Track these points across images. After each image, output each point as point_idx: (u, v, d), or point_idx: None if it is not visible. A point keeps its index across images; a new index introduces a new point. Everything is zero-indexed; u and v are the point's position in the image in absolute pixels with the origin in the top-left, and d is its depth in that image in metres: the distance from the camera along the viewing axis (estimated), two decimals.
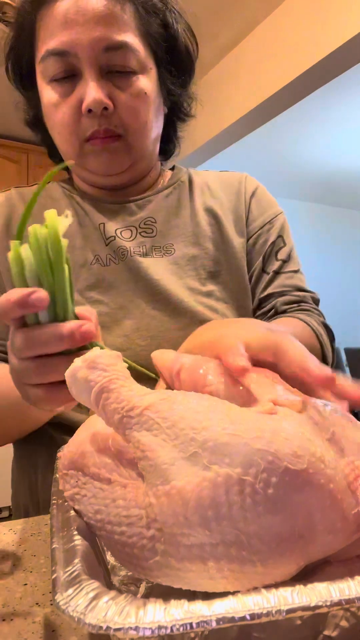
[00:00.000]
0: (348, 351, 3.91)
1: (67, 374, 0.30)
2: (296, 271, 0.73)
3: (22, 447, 0.70)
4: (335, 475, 0.25)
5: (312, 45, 2.15)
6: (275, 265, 0.72)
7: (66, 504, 0.31)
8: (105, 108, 0.60)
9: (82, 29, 0.58)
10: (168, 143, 0.78)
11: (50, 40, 0.59)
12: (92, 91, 0.59)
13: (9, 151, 3.50)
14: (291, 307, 0.70)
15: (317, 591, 0.21)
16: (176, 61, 0.68)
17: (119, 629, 0.19)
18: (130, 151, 0.65)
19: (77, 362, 0.30)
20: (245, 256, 0.72)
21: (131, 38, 0.60)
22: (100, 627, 0.20)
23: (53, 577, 0.23)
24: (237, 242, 0.72)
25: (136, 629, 0.19)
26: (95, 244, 0.68)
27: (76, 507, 0.30)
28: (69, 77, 0.61)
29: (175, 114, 0.74)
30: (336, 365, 4.16)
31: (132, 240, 0.68)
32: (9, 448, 0.72)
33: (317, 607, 0.20)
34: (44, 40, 0.60)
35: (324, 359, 0.67)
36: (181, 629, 0.19)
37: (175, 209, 0.72)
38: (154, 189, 0.75)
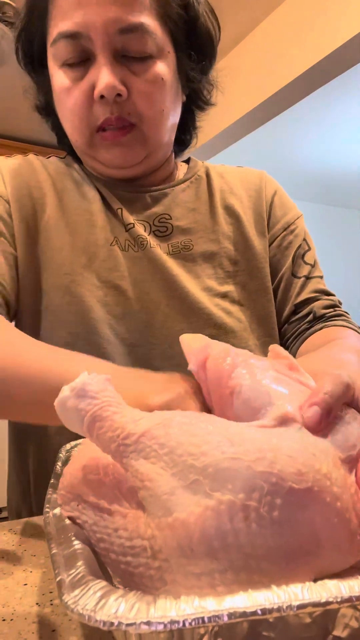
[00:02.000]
0: None
1: (56, 404, 0.29)
2: (322, 277, 0.73)
3: (16, 450, 0.69)
4: (343, 493, 0.24)
5: (312, 45, 2.15)
6: (305, 269, 0.71)
7: (59, 514, 0.30)
8: (119, 94, 0.56)
9: (95, 9, 0.54)
10: (185, 133, 0.74)
11: (62, 21, 0.56)
12: (104, 76, 0.55)
13: (9, 151, 3.50)
14: (328, 312, 0.69)
15: (327, 588, 0.21)
16: (196, 45, 0.63)
17: (131, 624, 0.19)
18: (146, 142, 0.61)
19: (65, 390, 0.29)
20: (268, 257, 0.71)
21: (148, 20, 0.56)
22: (112, 624, 0.20)
23: (57, 579, 0.23)
24: (258, 242, 0.70)
25: (148, 623, 0.19)
26: (115, 227, 0.65)
27: (77, 526, 0.29)
28: (82, 61, 0.57)
29: (194, 101, 0.70)
30: None
31: (147, 235, 0.66)
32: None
33: (327, 603, 0.20)
34: (56, 21, 0.57)
35: None
36: (193, 623, 0.19)
37: (192, 204, 0.69)
38: (169, 182, 0.72)
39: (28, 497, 0.66)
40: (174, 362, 0.60)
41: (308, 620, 0.21)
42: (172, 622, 0.19)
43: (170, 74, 0.60)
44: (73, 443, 0.44)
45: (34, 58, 0.64)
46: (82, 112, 0.59)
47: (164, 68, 0.59)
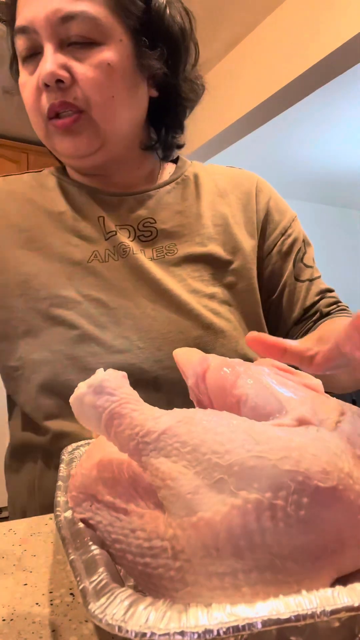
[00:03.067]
0: None
1: (73, 401, 0.28)
2: (320, 276, 0.74)
3: (19, 448, 0.67)
4: None
5: (312, 45, 2.15)
6: (307, 273, 0.72)
7: (71, 517, 0.30)
8: (61, 81, 0.57)
9: (40, 2, 0.57)
10: (162, 131, 0.71)
11: (17, 18, 0.59)
12: (45, 64, 0.56)
13: (8, 151, 3.50)
14: (333, 308, 0.70)
15: (357, 591, 0.20)
16: (160, 36, 0.62)
17: (164, 635, 0.19)
18: (97, 129, 0.60)
19: (82, 387, 0.28)
20: (264, 260, 0.71)
21: (92, 7, 0.57)
22: (144, 634, 0.19)
23: (80, 587, 0.23)
24: (247, 244, 0.69)
25: (182, 633, 0.19)
26: (94, 239, 0.64)
27: (91, 529, 0.29)
28: (35, 55, 0.59)
29: (173, 98, 0.68)
30: None
31: (131, 241, 0.65)
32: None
33: None
34: (17, 19, 0.59)
35: None
36: (228, 632, 0.19)
37: (179, 206, 0.68)
38: (151, 182, 0.71)
39: (33, 495, 0.65)
40: (163, 364, 0.60)
41: (337, 624, 0.21)
42: (207, 631, 0.19)
43: (121, 61, 0.59)
44: (75, 445, 0.44)
45: (14, 65, 0.66)
46: (33, 104, 0.60)
47: (111, 55, 0.59)
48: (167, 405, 0.30)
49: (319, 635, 0.21)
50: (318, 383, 0.34)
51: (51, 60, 0.56)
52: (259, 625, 0.19)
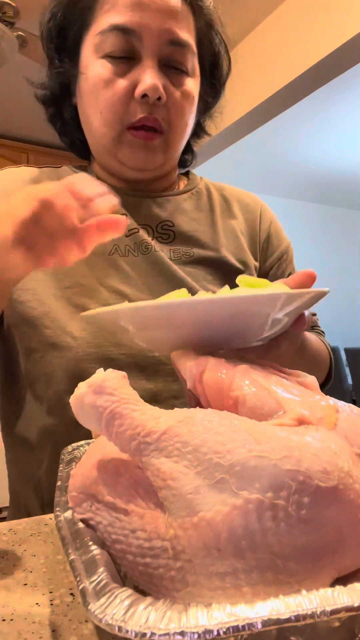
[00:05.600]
0: (348, 351, 3.91)
1: (73, 401, 0.28)
2: None
3: (23, 444, 0.66)
4: None
5: (312, 45, 2.15)
6: None
7: (71, 517, 0.30)
8: (159, 98, 0.60)
9: (153, 15, 0.59)
10: (187, 153, 0.79)
11: (117, 15, 0.59)
12: (151, 77, 0.59)
13: (9, 151, 3.50)
14: (313, 330, 0.76)
15: (357, 591, 0.20)
16: (215, 78, 0.71)
17: (164, 635, 0.19)
18: (167, 150, 0.65)
19: (82, 387, 0.28)
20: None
21: (191, 41, 0.63)
22: (144, 634, 0.19)
23: (80, 587, 0.22)
24: (251, 262, 0.73)
25: (182, 633, 0.19)
26: None
27: (91, 529, 0.29)
28: (126, 58, 0.61)
29: (197, 127, 0.75)
30: (336, 366, 4.11)
31: (151, 240, 0.68)
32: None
33: None
34: (108, 14, 0.60)
35: (329, 372, 0.74)
36: (228, 632, 0.19)
37: (194, 214, 0.73)
38: (170, 191, 0.75)
39: (40, 493, 0.64)
40: None
41: (337, 624, 0.21)
42: (207, 631, 0.19)
43: (196, 94, 0.66)
44: (75, 445, 0.44)
45: (66, 44, 0.66)
46: (118, 107, 0.61)
47: (194, 87, 0.65)
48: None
49: (319, 635, 0.21)
50: (313, 380, 0.34)
51: (156, 76, 0.60)
52: (259, 625, 0.19)
